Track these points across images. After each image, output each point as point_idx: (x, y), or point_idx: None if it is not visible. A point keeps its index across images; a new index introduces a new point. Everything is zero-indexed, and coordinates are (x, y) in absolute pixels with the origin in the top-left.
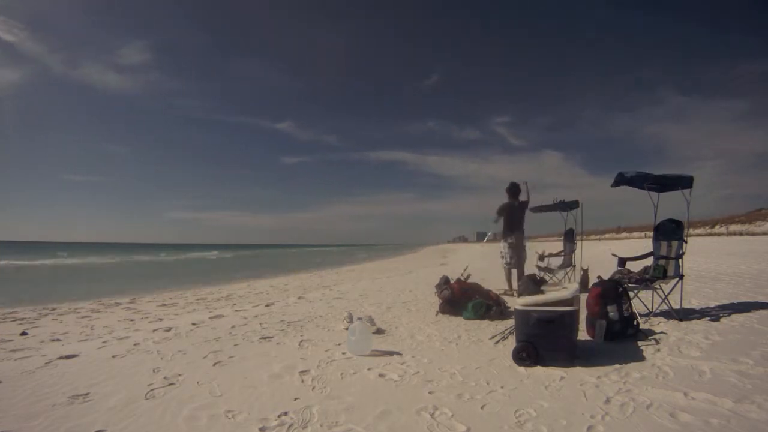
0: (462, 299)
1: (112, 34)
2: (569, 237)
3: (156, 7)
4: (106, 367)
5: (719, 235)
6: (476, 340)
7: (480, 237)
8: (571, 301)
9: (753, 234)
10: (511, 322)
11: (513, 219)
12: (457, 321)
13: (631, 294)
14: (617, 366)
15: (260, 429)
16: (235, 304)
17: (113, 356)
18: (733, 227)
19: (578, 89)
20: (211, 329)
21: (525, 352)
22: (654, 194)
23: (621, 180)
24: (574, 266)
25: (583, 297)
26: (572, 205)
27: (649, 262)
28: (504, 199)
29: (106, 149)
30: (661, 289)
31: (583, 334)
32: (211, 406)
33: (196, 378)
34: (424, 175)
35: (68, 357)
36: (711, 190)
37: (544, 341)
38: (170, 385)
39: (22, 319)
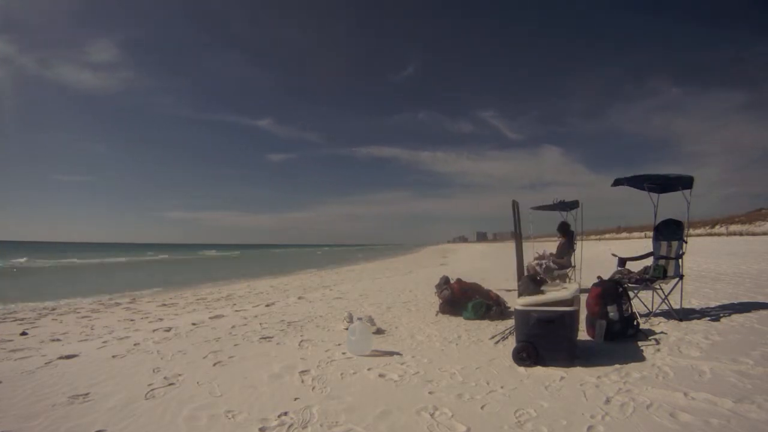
0: (462, 299)
1: (77, 32)
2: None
3: (117, 3)
4: (106, 367)
5: (719, 235)
6: (476, 340)
7: (480, 237)
8: (571, 301)
9: (753, 234)
10: (511, 322)
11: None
12: (457, 321)
13: (631, 294)
14: (617, 366)
15: (260, 429)
16: (235, 304)
17: (113, 356)
18: (733, 227)
19: (573, 79)
20: (211, 329)
21: (525, 352)
22: (654, 194)
23: (621, 180)
24: (574, 266)
25: (583, 297)
26: (572, 205)
27: (649, 262)
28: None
29: (90, 149)
30: (661, 289)
31: (583, 334)
32: (211, 406)
33: (196, 378)
34: (417, 172)
35: (68, 357)
36: (715, 188)
37: (544, 341)
38: (170, 385)
39: (22, 319)
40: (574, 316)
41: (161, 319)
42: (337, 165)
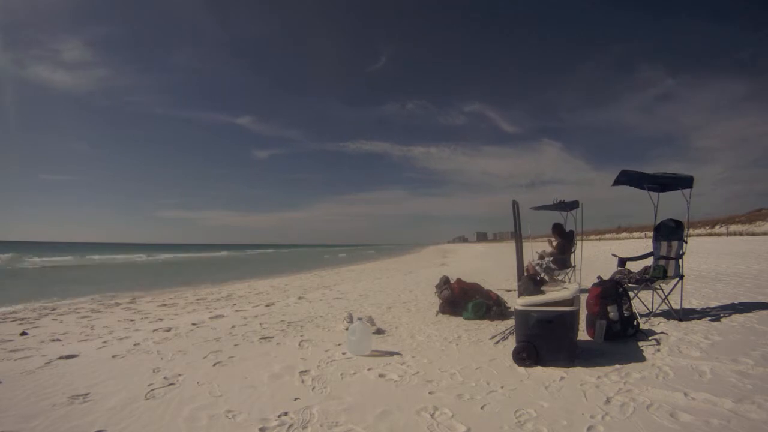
0: (462, 299)
1: (45, 32)
2: (569, 237)
3: (81, 2)
4: (106, 367)
5: (719, 235)
6: (476, 340)
7: (480, 237)
8: (571, 301)
9: (753, 234)
10: (511, 323)
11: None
12: (457, 321)
13: (631, 294)
14: (617, 366)
15: (260, 429)
16: (235, 304)
17: (113, 356)
18: (733, 227)
19: (569, 69)
20: (211, 329)
21: (525, 352)
22: (654, 194)
23: (621, 179)
24: (575, 266)
25: (583, 297)
26: (572, 205)
27: (649, 262)
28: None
29: (73, 148)
30: (662, 289)
31: (583, 334)
32: (211, 406)
33: (196, 378)
34: (411, 169)
35: (68, 357)
36: (720, 186)
37: (544, 341)
38: (170, 385)
39: (22, 319)
40: (574, 316)
41: (161, 319)
42: (327, 162)
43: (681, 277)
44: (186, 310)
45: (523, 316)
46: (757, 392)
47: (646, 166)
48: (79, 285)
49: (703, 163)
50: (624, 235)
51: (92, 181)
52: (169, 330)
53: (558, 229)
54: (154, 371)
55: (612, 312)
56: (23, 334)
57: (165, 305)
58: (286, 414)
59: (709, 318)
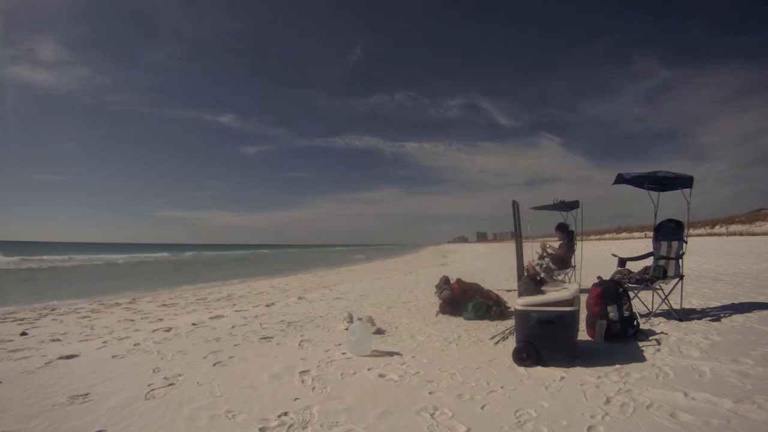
0: (462, 299)
1: (18, 32)
2: (571, 237)
3: (54, 2)
4: (106, 367)
5: (719, 235)
6: (476, 340)
7: (480, 237)
8: (571, 301)
9: (753, 234)
10: (511, 323)
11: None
12: (457, 321)
13: (631, 294)
14: (617, 366)
15: (260, 429)
16: (235, 305)
17: (113, 356)
18: (733, 227)
19: (566, 59)
20: (211, 329)
21: (525, 352)
22: (654, 194)
23: (621, 179)
24: (575, 266)
25: (583, 297)
26: (572, 205)
27: (649, 262)
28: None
29: (61, 148)
30: (662, 289)
31: (583, 334)
32: (211, 407)
33: (196, 378)
34: (406, 166)
35: (68, 357)
36: (724, 184)
37: (544, 341)
38: (170, 385)
39: (22, 319)
40: (574, 316)
41: (161, 319)
42: (318, 159)
43: (681, 277)
44: (186, 310)
45: (523, 316)
46: (757, 392)
47: (648, 164)
48: (78, 285)
49: (707, 160)
50: (624, 235)
51: (86, 182)
52: (169, 330)
53: (562, 229)
54: (154, 371)
55: (612, 312)
56: (23, 334)
57: (165, 305)
58: (286, 414)
59: (709, 318)
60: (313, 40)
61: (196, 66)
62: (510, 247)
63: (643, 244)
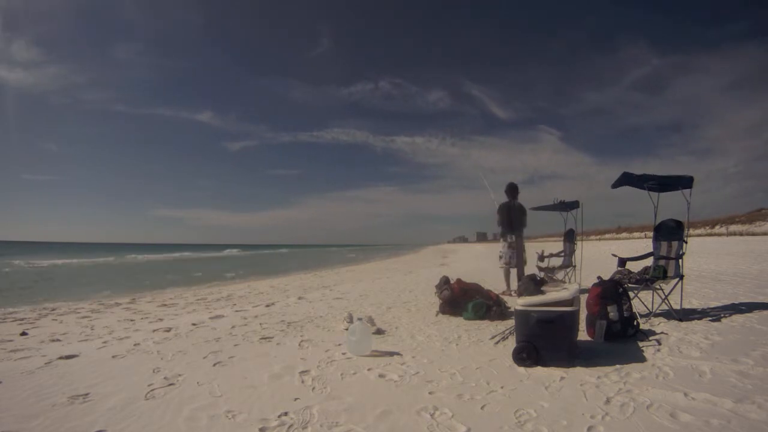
0: (462, 299)
1: None
2: (569, 237)
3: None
4: (106, 367)
5: (719, 235)
6: (476, 340)
7: (480, 237)
8: (572, 301)
9: (753, 234)
10: (511, 323)
11: (511, 218)
12: (457, 321)
13: (631, 294)
14: (617, 366)
15: (260, 429)
16: (235, 305)
17: (113, 356)
18: (733, 227)
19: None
20: (211, 329)
21: (525, 352)
22: (654, 194)
23: (621, 180)
24: (575, 266)
25: (583, 297)
26: (572, 205)
27: (649, 262)
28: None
29: (44, 148)
30: (662, 289)
31: (583, 334)
32: (211, 407)
33: (196, 378)
34: (398, 163)
35: (68, 357)
36: (731, 181)
37: (545, 341)
38: (170, 385)
39: (22, 319)
40: (574, 316)
41: (161, 319)
42: (305, 155)
43: (681, 277)
44: (186, 310)
45: (523, 316)
46: (757, 392)
47: (651, 161)
48: (78, 285)
49: (713, 155)
50: (624, 235)
51: (73, 182)
52: (169, 330)
53: (509, 190)
54: (154, 371)
55: (612, 312)
56: (23, 334)
57: (165, 305)
58: (286, 414)
59: (709, 318)
60: (282, 26)
61: (166, 62)
62: None
63: (643, 244)
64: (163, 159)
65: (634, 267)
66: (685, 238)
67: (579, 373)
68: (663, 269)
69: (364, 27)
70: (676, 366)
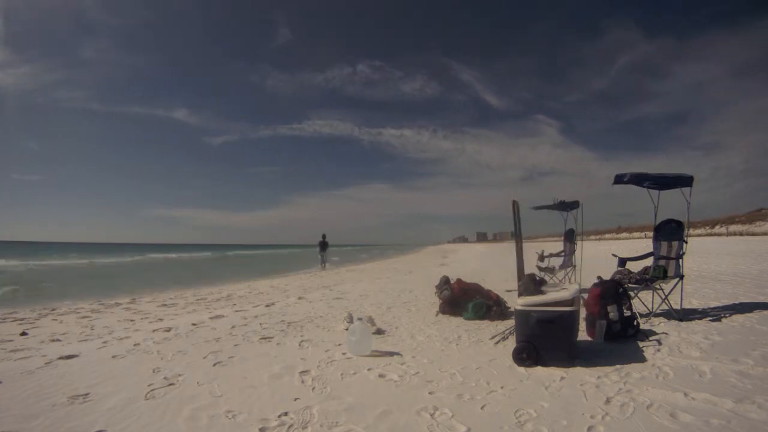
0: (462, 299)
1: None
2: (569, 237)
3: None
4: (106, 367)
5: (719, 235)
6: (476, 340)
7: (480, 237)
8: (571, 301)
9: (753, 234)
10: (511, 323)
11: None
12: (458, 321)
13: (631, 294)
14: (617, 366)
15: (260, 429)
16: (235, 305)
17: (113, 356)
18: (733, 227)
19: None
20: (211, 329)
21: (525, 352)
22: (654, 194)
23: (621, 178)
24: (575, 266)
25: (584, 297)
26: (572, 205)
27: (649, 262)
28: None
29: (24, 147)
30: (662, 289)
31: (583, 334)
32: (211, 407)
33: (196, 378)
34: (388, 158)
35: (68, 357)
36: (739, 178)
37: (545, 341)
38: (170, 385)
39: (22, 319)
40: (574, 316)
41: (161, 320)
42: (288, 151)
43: (681, 277)
44: (186, 310)
45: (523, 316)
46: (757, 392)
47: (656, 157)
48: (77, 285)
49: (722, 150)
50: (624, 235)
51: (55, 181)
52: (169, 330)
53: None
54: (154, 371)
55: (612, 312)
56: (23, 334)
57: (165, 305)
58: (286, 414)
59: (709, 318)
60: (243, 9)
61: (132, 59)
62: (510, 247)
63: (643, 244)
64: (144, 158)
65: (634, 267)
66: (685, 238)
67: (579, 373)
68: (663, 269)
69: (311, 25)
70: (676, 366)
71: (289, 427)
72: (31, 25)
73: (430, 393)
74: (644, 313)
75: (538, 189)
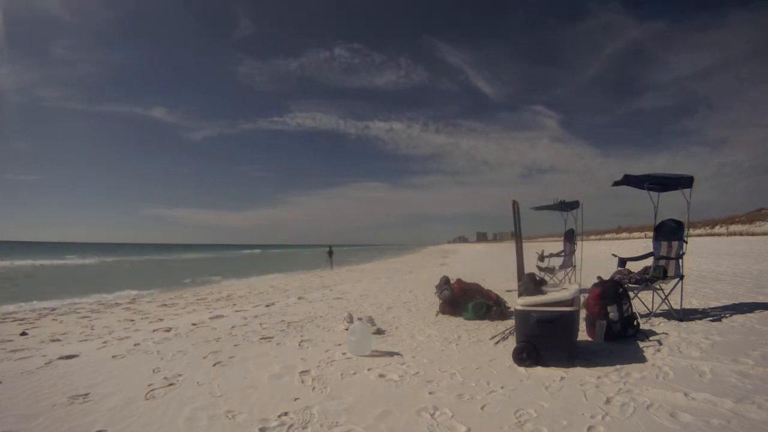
0: (462, 300)
1: None
2: (569, 237)
3: None
4: (106, 368)
5: (719, 235)
6: (476, 340)
7: (480, 237)
8: (571, 301)
9: (753, 234)
10: (511, 323)
11: None
12: (458, 321)
13: (631, 294)
14: (617, 366)
15: (260, 429)
16: (235, 305)
17: (113, 356)
18: (733, 227)
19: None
20: (211, 329)
21: (525, 352)
22: (654, 194)
23: (621, 180)
24: (575, 266)
25: (584, 297)
26: (572, 205)
27: (649, 262)
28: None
29: (15, 148)
30: (662, 289)
31: (583, 334)
32: (211, 407)
33: (196, 378)
34: (379, 155)
35: (68, 357)
36: (746, 175)
37: (545, 341)
38: (170, 385)
39: (22, 320)
40: (574, 316)
41: (161, 320)
42: (273, 148)
43: (681, 277)
44: (186, 310)
45: (523, 316)
46: (757, 392)
47: (660, 151)
48: (76, 286)
49: (729, 146)
50: (624, 235)
51: (56, 182)
52: (169, 330)
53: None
54: (154, 371)
55: (612, 312)
56: (23, 334)
57: (165, 305)
58: (286, 414)
59: (709, 318)
60: (194, 8)
61: (103, 57)
62: (510, 247)
63: (643, 244)
64: (128, 157)
65: (634, 267)
66: (685, 238)
67: (579, 373)
68: (663, 269)
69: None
70: (676, 366)
71: (289, 427)
72: (7, 26)
73: (430, 393)
74: (644, 313)
75: (538, 187)
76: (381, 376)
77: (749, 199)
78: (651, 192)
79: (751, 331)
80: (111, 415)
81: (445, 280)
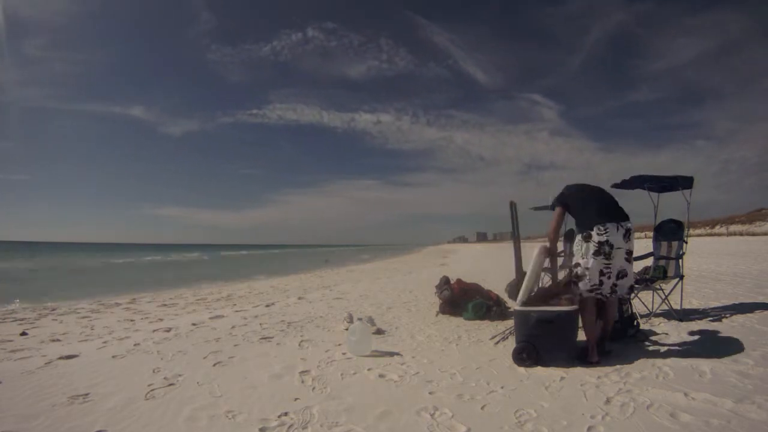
0: (462, 300)
1: None
2: (569, 237)
3: None
4: (106, 368)
5: (719, 235)
6: (476, 340)
7: (480, 237)
8: (572, 301)
9: (753, 234)
10: (511, 323)
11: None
12: (458, 321)
13: (631, 294)
14: (617, 366)
15: (260, 429)
16: (235, 305)
17: (113, 356)
18: (733, 227)
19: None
20: (211, 329)
21: (525, 352)
22: (654, 194)
23: (620, 183)
24: None
25: None
26: None
27: (649, 262)
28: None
29: (3, 147)
30: (662, 289)
31: (582, 335)
32: (212, 407)
33: (196, 378)
34: (370, 152)
35: (68, 357)
36: (752, 173)
37: (544, 341)
38: (170, 385)
39: (22, 319)
40: (574, 316)
41: (161, 320)
42: (259, 145)
43: (681, 277)
44: (186, 310)
45: (522, 316)
46: (757, 392)
47: (664, 145)
48: (76, 285)
49: (736, 141)
50: None
51: (46, 181)
52: (169, 330)
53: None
54: (154, 371)
55: None
56: (23, 334)
57: (165, 305)
58: (286, 414)
59: (710, 318)
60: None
61: (74, 56)
62: (510, 247)
63: (643, 244)
64: (108, 155)
65: (634, 267)
66: (685, 238)
67: (579, 373)
68: (663, 269)
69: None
70: (676, 366)
71: (289, 427)
72: None
73: (430, 393)
74: (644, 313)
75: (538, 185)
76: (381, 376)
77: (753, 198)
78: (651, 192)
79: (751, 331)
80: (111, 415)
81: (445, 280)
